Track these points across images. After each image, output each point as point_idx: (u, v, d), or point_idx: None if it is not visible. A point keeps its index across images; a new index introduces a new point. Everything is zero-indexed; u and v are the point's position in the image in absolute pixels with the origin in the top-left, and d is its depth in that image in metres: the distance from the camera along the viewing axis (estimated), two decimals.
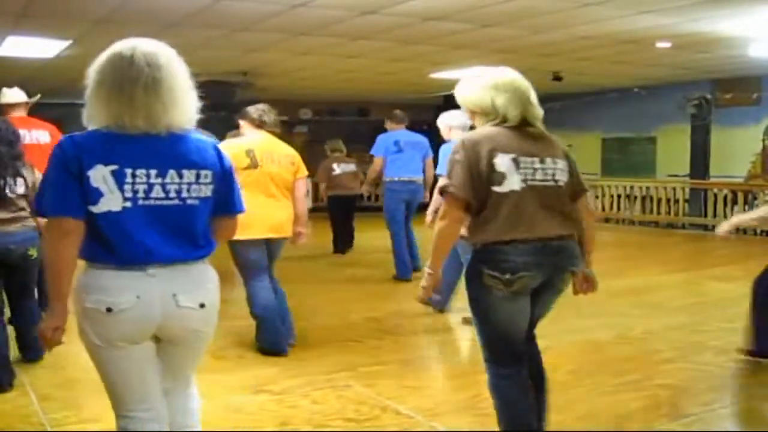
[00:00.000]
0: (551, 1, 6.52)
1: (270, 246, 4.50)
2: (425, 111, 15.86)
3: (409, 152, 7.18)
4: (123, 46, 2.15)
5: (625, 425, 3.26)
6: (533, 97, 2.70)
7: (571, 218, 2.71)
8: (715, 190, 11.73)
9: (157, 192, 2.06)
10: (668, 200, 12.44)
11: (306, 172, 4.66)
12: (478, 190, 2.54)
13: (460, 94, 2.80)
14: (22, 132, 4.23)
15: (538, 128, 2.70)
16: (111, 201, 2.00)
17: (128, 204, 2.02)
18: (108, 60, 2.13)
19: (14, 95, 5.08)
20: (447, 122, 5.52)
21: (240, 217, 2.39)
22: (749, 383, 4.01)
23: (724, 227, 4.33)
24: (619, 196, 13.20)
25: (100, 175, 1.99)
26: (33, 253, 3.91)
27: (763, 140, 11.94)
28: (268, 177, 4.38)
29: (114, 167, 2.01)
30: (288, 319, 4.63)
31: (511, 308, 2.64)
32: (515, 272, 2.55)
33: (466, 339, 5.17)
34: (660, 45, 8.63)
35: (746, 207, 11.25)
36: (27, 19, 6.85)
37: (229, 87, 11.68)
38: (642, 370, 4.08)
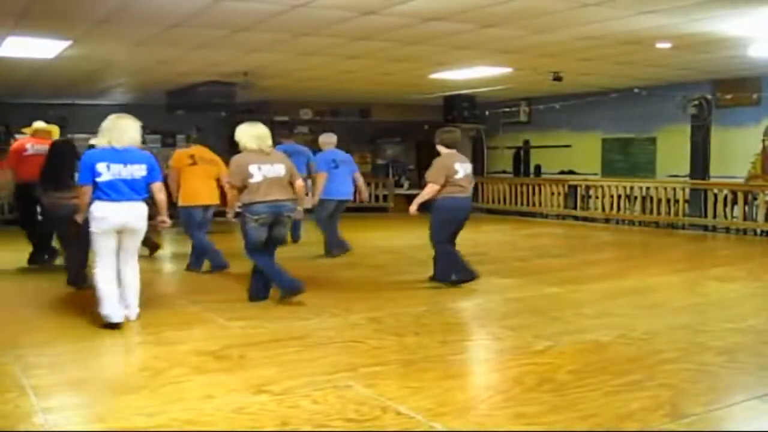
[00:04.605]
0: (551, 1, 6.52)
1: (205, 210, 7.61)
2: (426, 111, 15.87)
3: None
4: (112, 116, 5.29)
5: (625, 425, 3.25)
6: (266, 135, 5.93)
7: (288, 191, 5.91)
8: (715, 191, 11.72)
9: (123, 173, 5.09)
10: (668, 200, 12.43)
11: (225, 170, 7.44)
12: (243, 181, 5.76)
13: (237, 137, 5.97)
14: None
15: (268, 149, 5.90)
16: (106, 176, 5.03)
17: (112, 177, 5.05)
18: (107, 120, 5.24)
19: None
20: (321, 140, 9.16)
21: (189, 191, 7.51)
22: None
23: (413, 207, 6.72)
24: (619, 197, 13.20)
25: (101, 166, 5.03)
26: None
27: (763, 140, 11.93)
28: (202, 170, 7.57)
29: (106, 163, 5.06)
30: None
31: (256, 231, 5.79)
32: (258, 215, 5.73)
33: (467, 340, 5.17)
34: (660, 45, 8.64)
35: (746, 207, 11.25)
36: (27, 20, 6.85)
37: (229, 87, 11.67)
38: (643, 370, 4.07)
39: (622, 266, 8.29)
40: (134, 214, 5.13)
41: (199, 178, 7.51)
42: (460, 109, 15.22)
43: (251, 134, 5.91)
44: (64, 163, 6.71)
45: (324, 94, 14.15)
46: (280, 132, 15.52)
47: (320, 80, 11.85)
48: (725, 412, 3.52)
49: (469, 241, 11.23)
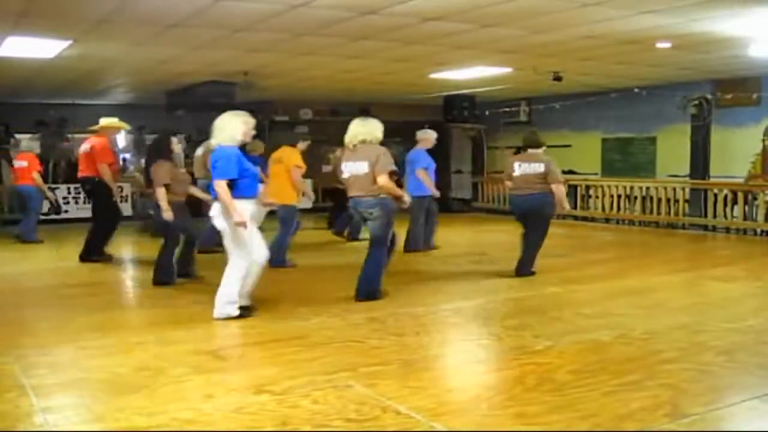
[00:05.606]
0: (551, 1, 6.52)
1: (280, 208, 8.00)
2: (426, 111, 15.87)
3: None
4: None
5: (625, 425, 3.25)
6: (354, 133, 5.93)
7: (369, 187, 5.85)
8: (715, 191, 11.70)
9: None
10: (668, 200, 12.42)
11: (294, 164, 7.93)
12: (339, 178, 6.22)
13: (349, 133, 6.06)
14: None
15: (354, 147, 5.92)
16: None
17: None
18: None
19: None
20: (419, 136, 9.37)
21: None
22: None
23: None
24: (619, 196, 13.20)
25: None
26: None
27: (763, 140, 11.94)
28: (272, 171, 7.96)
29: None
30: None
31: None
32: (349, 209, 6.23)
33: (467, 340, 5.17)
34: (660, 45, 8.64)
35: (746, 207, 11.25)
36: (27, 19, 6.85)
37: (229, 87, 11.67)
38: (643, 370, 4.07)
39: (622, 266, 8.28)
40: (215, 212, 5.29)
41: (271, 178, 7.93)
42: (460, 109, 15.21)
43: (347, 134, 6.01)
44: (149, 160, 6.88)
45: (324, 94, 14.15)
46: (281, 132, 15.67)
47: (320, 80, 11.85)
48: (725, 412, 3.52)
49: (469, 240, 11.27)
